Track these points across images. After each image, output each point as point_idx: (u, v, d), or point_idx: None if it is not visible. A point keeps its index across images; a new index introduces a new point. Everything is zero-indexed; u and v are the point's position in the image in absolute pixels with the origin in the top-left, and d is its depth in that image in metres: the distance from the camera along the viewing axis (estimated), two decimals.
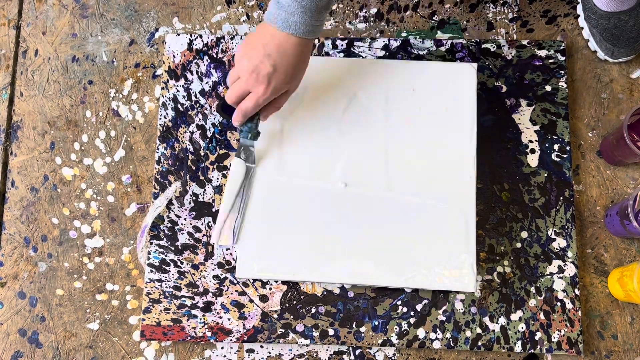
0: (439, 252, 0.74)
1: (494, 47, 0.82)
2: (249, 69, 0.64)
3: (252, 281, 0.76)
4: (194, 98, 0.82)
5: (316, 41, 0.83)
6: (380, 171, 0.77)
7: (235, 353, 0.76)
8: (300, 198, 0.76)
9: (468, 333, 0.74)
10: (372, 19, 0.85)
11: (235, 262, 0.77)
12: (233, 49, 0.83)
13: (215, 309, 0.76)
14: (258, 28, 0.64)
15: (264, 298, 0.76)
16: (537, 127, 0.79)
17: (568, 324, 0.74)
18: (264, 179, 0.77)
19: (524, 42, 0.82)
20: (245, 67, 0.64)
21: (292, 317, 0.75)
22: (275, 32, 0.62)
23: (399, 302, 0.75)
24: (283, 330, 0.75)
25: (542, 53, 0.81)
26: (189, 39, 0.84)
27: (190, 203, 0.79)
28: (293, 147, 0.78)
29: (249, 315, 0.76)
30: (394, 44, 0.83)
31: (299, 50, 0.63)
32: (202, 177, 0.80)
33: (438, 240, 0.74)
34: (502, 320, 0.74)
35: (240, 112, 0.68)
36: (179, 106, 0.82)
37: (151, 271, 0.77)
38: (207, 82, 0.82)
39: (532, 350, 0.74)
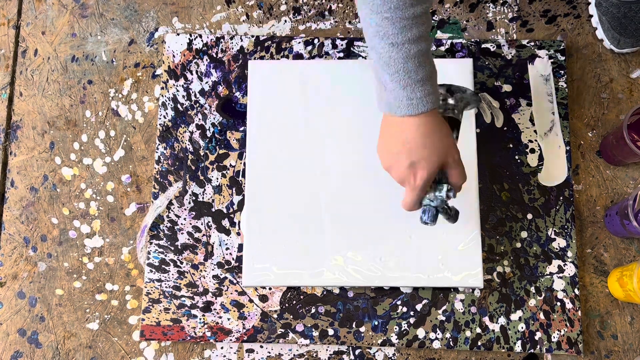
0: (444, 249, 0.74)
1: (493, 46, 0.82)
2: (398, 174, 0.62)
3: None
4: (193, 98, 0.82)
5: (316, 41, 0.83)
6: (380, 170, 0.77)
7: (235, 353, 0.76)
8: (302, 202, 0.76)
9: (468, 333, 0.74)
10: None
11: (235, 262, 0.77)
12: (233, 48, 0.83)
13: (215, 309, 0.76)
14: (383, 126, 0.62)
15: (263, 298, 0.76)
16: (537, 127, 0.79)
17: (568, 324, 0.74)
18: (263, 185, 0.77)
19: (524, 42, 0.82)
20: (394, 174, 0.62)
21: (291, 317, 0.75)
22: (403, 122, 0.59)
23: (399, 302, 0.75)
24: (283, 330, 0.75)
25: (542, 53, 0.81)
26: (189, 38, 0.84)
27: (189, 203, 0.79)
28: (292, 149, 0.78)
29: (248, 315, 0.75)
30: None
31: (431, 125, 0.59)
32: (201, 177, 0.80)
33: (443, 237, 0.75)
34: (502, 320, 0.74)
35: (405, 207, 0.64)
36: (179, 106, 0.82)
37: (151, 271, 0.77)
38: (206, 82, 0.82)
39: (532, 350, 0.74)
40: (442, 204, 0.63)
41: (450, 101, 0.66)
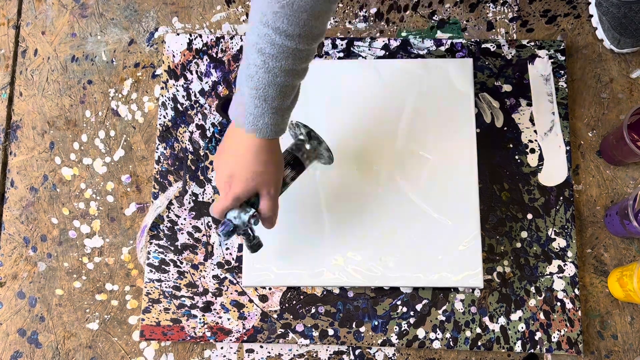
0: (444, 249, 0.74)
1: (493, 46, 0.82)
2: (218, 178, 0.62)
3: None
4: (193, 98, 0.82)
5: None
6: (381, 170, 0.77)
7: (234, 353, 0.76)
8: (302, 202, 0.76)
9: (468, 333, 0.74)
10: (371, 18, 0.85)
11: (235, 262, 0.77)
12: (233, 48, 0.83)
13: (214, 309, 0.76)
14: (228, 131, 0.62)
15: (263, 298, 0.76)
16: (537, 127, 0.79)
17: (568, 324, 0.74)
18: None
19: (524, 42, 0.82)
20: (216, 176, 0.62)
21: (291, 317, 0.75)
22: (242, 135, 0.59)
23: (399, 302, 0.75)
24: (283, 330, 0.75)
25: (542, 53, 0.81)
26: (189, 38, 0.83)
27: (189, 203, 0.79)
28: None
29: (248, 315, 0.75)
30: (394, 43, 0.83)
31: (264, 151, 0.59)
32: (201, 177, 0.80)
33: (443, 237, 0.75)
34: (502, 320, 0.74)
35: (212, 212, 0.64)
36: (179, 106, 0.82)
37: (151, 271, 0.77)
38: (206, 82, 0.82)
39: (532, 350, 0.74)
40: (243, 226, 0.63)
41: (307, 146, 0.67)
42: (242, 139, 0.59)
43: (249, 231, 0.65)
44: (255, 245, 0.67)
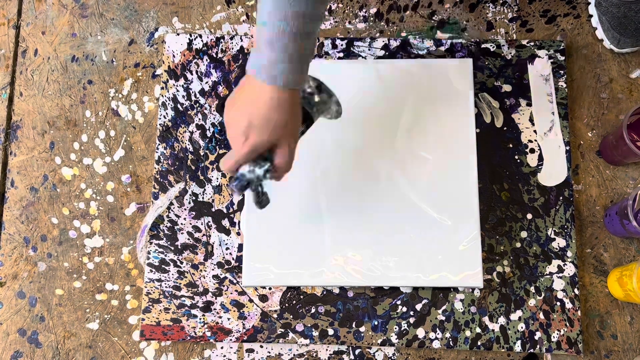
0: (444, 249, 0.74)
1: (493, 46, 0.82)
2: (233, 130, 0.60)
3: None
4: (193, 98, 0.82)
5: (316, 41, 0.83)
6: (381, 170, 0.77)
7: (234, 353, 0.76)
8: (302, 202, 0.76)
9: (468, 333, 0.74)
10: (371, 18, 0.85)
11: (235, 262, 0.77)
12: (233, 48, 0.83)
13: (214, 309, 0.76)
14: (241, 85, 0.60)
15: (263, 298, 0.76)
16: (536, 127, 0.79)
17: (567, 324, 0.74)
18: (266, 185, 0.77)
19: (524, 42, 0.82)
20: (230, 130, 0.61)
21: (291, 316, 0.75)
22: (261, 87, 0.57)
23: (399, 302, 0.75)
24: (283, 330, 0.75)
25: (542, 53, 0.81)
26: (189, 38, 0.84)
27: (189, 203, 0.79)
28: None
29: (248, 315, 0.76)
30: (394, 43, 0.83)
31: (286, 102, 0.58)
32: (201, 177, 0.80)
33: (443, 237, 0.75)
34: (502, 320, 0.74)
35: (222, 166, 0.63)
36: (179, 106, 0.82)
37: (151, 271, 0.77)
38: (206, 82, 0.82)
39: (532, 350, 0.74)
40: (257, 181, 0.62)
41: (316, 98, 0.65)
42: (261, 90, 0.57)
43: (260, 187, 0.64)
44: (264, 201, 0.65)
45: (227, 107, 0.61)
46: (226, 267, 0.77)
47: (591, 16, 0.83)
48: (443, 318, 0.75)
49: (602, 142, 0.79)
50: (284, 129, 0.59)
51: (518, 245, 0.76)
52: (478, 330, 0.74)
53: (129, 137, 0.82)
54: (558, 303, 0.75)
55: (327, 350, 0.75)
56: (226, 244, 0.77)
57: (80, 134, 0.83)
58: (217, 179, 0.79)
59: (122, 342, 0.77)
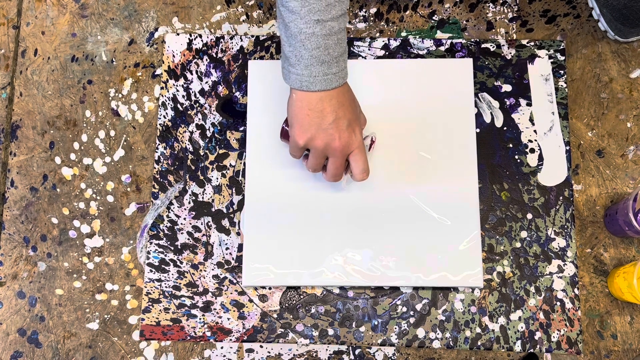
0: (444, 249, 0.74)
1: (493, 46, 0.82)
2: (341, 138, 0.64)
3: None
4: (193, 98, 0.82)
5: None
6: (380, 170, 0.77)
7: (234, 353, 0.76)
8: (302, 202, 0.76)
9: (468, 333, 0.74)
10: (371, 18, 0.85)
11: (235, 262, 0.77)
12: (233, 48, 0.83)
13: (214, 309, 0.76)
14: (298, 103, 0.63)
15: (263, 298, 0.76)
16: (536, 127, 0.79)
17: (567, 324, 0.74)
18: (263, 185, 0.77)
19: (524, 42, 0.82)
20: (337, 138, 0.64)
21: (291, 316, 0.75)
22: (326, 94, 0.62)
23: (399, 302, 0.75)
24: (282, 330, 0.75)
25: (542, 53, 0.81)
26: (189, 38, 0.84)
27: (189, 203, 0.79)
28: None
29: (248, 315, 0.76)
30: (394, 43, 0.83)
31: (350, 91, 0.64)
32: (201, 177, 0.80)
33: (443, 237, 0.75)
34: (502, 320, 0.74)
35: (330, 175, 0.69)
36: (179, 106, 0.82)
37: (151, 271, 0.77)
38: (206, 82, 0.82)
39: (532, 350, 0.74)
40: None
41: None
42: (320, 98, 0.62)
43: None
44: None
45: (298, 128, 0.64)
46: (226, 267, 0.77)
47: (592, 8, 0.82)
48: (443, 318, 0.75)
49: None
50: (356, 112, 0.67)
51: (518, 245, 0.76)
52: (478, 330, 0.74)
53: (129, 137, 0.82)
54: (558, 303, 0.75)
55: (327, 350, 0.75)
56: (226, 244, 0.78)
57: (80, 133, 0.83)
58: (217, 179, 0.79)
59: (122, 342, 0.77)
